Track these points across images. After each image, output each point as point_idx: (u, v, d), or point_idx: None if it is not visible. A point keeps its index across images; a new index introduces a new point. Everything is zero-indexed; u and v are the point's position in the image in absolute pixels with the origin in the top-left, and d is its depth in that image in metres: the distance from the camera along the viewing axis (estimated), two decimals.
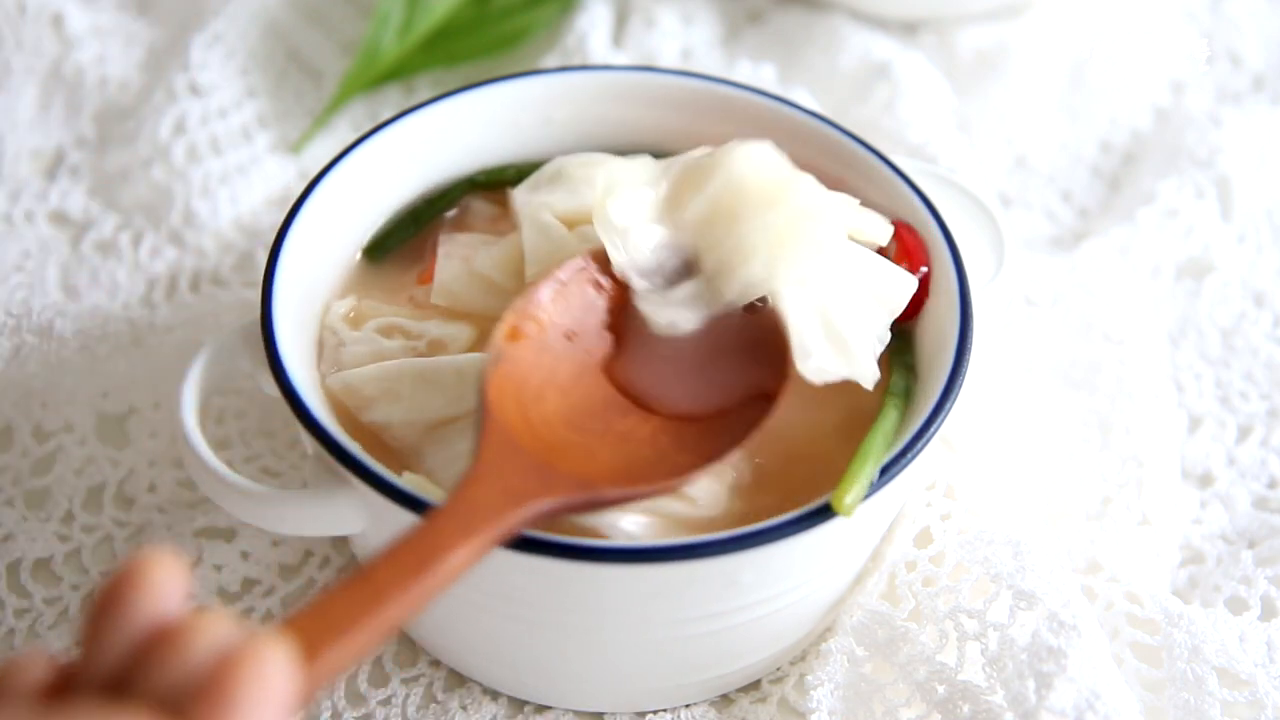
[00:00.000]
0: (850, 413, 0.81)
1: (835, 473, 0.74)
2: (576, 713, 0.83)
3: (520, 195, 0.88)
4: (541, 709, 0.83)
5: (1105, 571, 0.87)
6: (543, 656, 0.79)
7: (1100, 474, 0.93)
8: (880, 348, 0.78)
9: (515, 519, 0.65)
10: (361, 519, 0.75)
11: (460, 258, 0.87)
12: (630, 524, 0.76)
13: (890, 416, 0.78)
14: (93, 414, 0.94)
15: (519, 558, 0.70)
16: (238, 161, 1.09)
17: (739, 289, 0.77)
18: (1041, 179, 1.13)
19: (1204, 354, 1.02)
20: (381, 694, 0.83)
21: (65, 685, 0.52)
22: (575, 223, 0.85)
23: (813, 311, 0.77)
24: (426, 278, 0.88)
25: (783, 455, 0.80)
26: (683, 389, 0.77)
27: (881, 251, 0.84)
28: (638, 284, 0.79)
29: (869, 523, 0.80)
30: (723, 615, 0.76)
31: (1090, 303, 0.99)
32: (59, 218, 1.08)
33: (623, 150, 0.92)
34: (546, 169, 0.89)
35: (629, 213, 0.80)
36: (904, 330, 0.84)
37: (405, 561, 0.60)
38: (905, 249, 0.84)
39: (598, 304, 0.79)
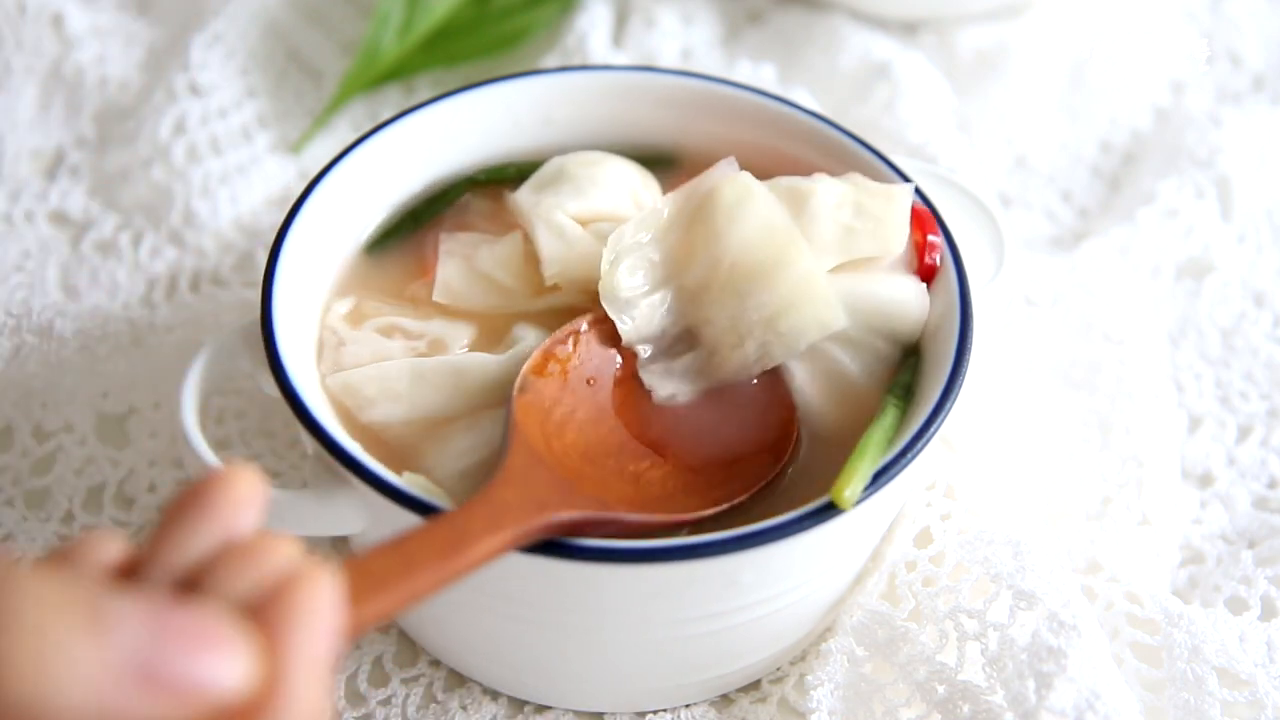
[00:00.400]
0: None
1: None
2: (576, 713, 0.83)
3: (525, 197, 0.88)
4: (541, 709, 0.83)
5: (1105, 571, 0.87)
6: (543, 656, 0.79)
7: (1100, 474, 0.93)
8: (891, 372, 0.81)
9: (537, 523, 0.69)
10: (361, 519, 0.75)
11: (461, 256, 0.87)
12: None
13: (891, 412, 0.78)
14: (93, 414, 0.94)
15: (519, 558, 0.70)
16: (238, 161, 1.09)
17: (734, 369, 0.80)
18: (1041, 179, 1.13)
19: (1204, 354, 1.02)
20: (381, 694, 0.83)
21: (132, 573, 0.54)
22: (587, 222, 0.86)
23: (814, 381, 0.79)
24: (427, 277, 0.88)
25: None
26: (692, 442, 0.79)
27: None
28: (642, 352, 0.81)
29: (869, 522, 0.80)
30: (723, 615, 0.76)
31: (1090, 303, 0.99)
32: (59, 218, 1.08)
33: (623, 150, 0.92)
34: (547, 169, 0.90)
35: (634, 282, 0.81)
36: None
37: (436, 540, 0.64)
38: (917, 220, 0.84)
39: (613, 357, 0.81)
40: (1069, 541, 0.89)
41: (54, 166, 1.11)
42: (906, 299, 0.82)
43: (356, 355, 0.83)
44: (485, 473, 0.79)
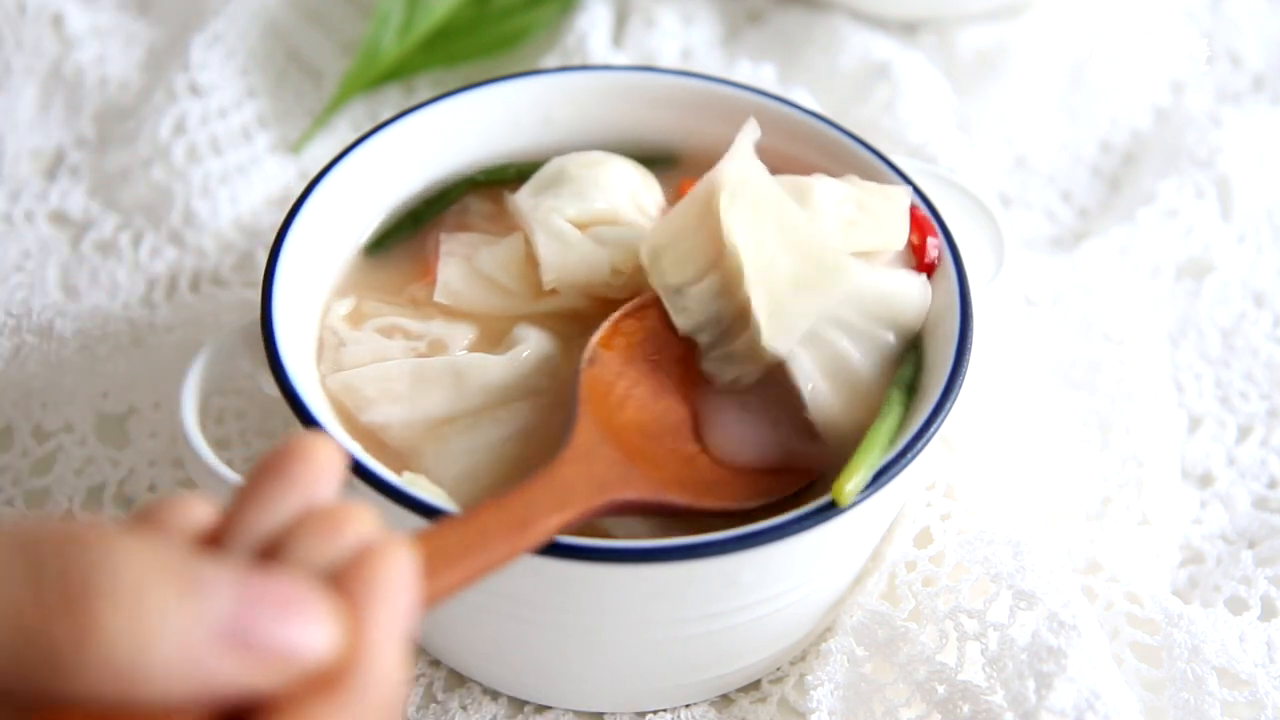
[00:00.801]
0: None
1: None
2: (576, 713, 0.83)
3: (524, 200, 0.88)
4: (541, 709, 0.83)
5: (1105, 571, 0.87)
6: (543, 656, 0.79)
7: (1100, 474, 0.93)
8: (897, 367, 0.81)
9: (597, 503, 0.71)
10: None
11: (462, 257, 0.87)
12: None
13: (894, 409, 0.78)
14: (93, 414, 0.94)
15: (518, 558, 0.70)
16: (238, 161, 1.09)
17: (761, 360, 0.79)
18: (1041, 179, 1.13)
19: (1204, 354, 1.02)
20: None
21: (215, 538, 0.54)
22: (586, 226, 0.86)
23: (820, 370, 0.79)
24: (427, 277, 0.88)
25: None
26: (741, 441, 0.80)
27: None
28: (701, 340, 0.81)
29: (869, 522, 0.80)
30: (723, 615, 0.76)
31: (1090, 303, 0.99)
32: (59, 218, 1.08)
33: (623, 150, 0.92)
34: (547, 170, 0.90)
35: (681, 272, 0.81)
36: None
37: (505, 517, 0.65)
38: (915, 223, 0.85)
39: (672, 338, 0.82)
40: (1069, 541, 0.89)
41: (54, 166, 1.11)
42: (909, 290, 0.82)
43: (357, 355, 0.83)
44: (486, 473, 0.79)
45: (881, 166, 0.88)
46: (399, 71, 1.15)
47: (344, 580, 0.53)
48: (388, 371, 0.81)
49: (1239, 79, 1.20)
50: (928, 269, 0.84)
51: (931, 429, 0.76)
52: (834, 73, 1.15)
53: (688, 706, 0.83)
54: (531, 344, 0.83)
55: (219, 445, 0.93)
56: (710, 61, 1.17)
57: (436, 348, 0.84)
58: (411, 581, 0.54)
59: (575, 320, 0.86)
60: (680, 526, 0.75)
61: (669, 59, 1.16)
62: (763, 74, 1.12)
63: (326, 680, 0.51)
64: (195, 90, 1.11)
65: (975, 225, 0.91)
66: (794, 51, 1.19)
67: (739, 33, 1.22)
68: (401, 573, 0.54)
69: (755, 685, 0.85)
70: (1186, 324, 1.03)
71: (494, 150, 0.93)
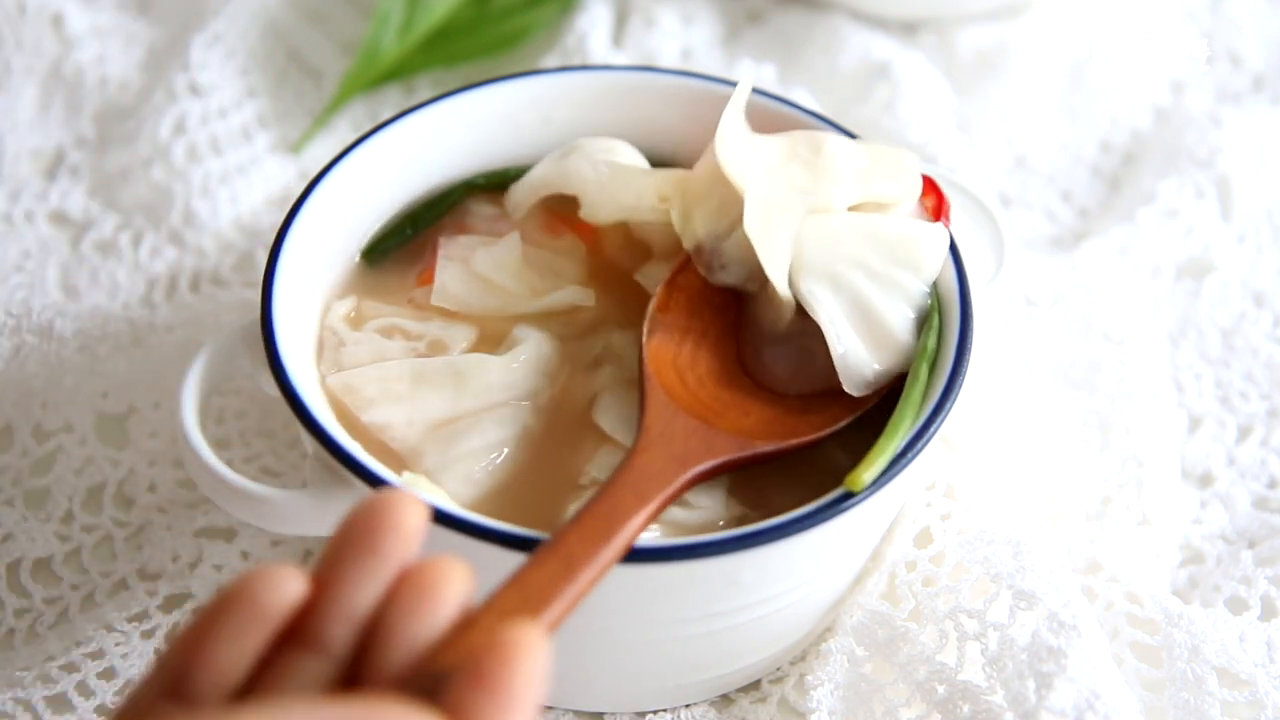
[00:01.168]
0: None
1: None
2: (576, 713, 0.83)
3: (545, 166, 0.89)
4: (541, 709, 0.83)
5: (1105, 571, 0.87)
6: None
7: (1100, 474, 0.93)
8: (918, 315, 0.80)
9: (682, 480, 0.70)
10: None
11: (460, 259, 0.87)
12: None
13: (917, 386, 0.79)
14: (93, 414, 0.94)
15: (519, 558, 0.70)
16: (238, 161, 1.09)
17: (781, 301, 0.79)
18: (1041, 179, 1.13)
19: (1204, 354, 1.02)
20: None
21: (308, 617, 0.51)
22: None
23: (844, 313, 0.79)
24: (426, 279, 0.88)
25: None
26: (795, 375, 0.80)
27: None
28: (751, 289, 0.82)
29: (869, 522, 0.80)
30: (723, 615, 0.76)
31: (1090, 303, 0.99)
32: (59, 218, 1.08)
33: None
34: (562, 148, 0.90)
35: (714, 228, 0.82)
36: None
37: (590, 531, 0.64)
38: (930, 188, 0.86)
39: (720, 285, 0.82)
40: (1069, 541, 0.89)
41: (54, 166, 1.11)
42: (926, 232, 0.82)
43: (356, 355, 0.83)
44: (485, 473, 0.79)
45: None
46: (399, 71, 1.15)
47: (462, 695, 0.48)
48: (388, 371, 0.81)
49: (1239, 79, 1.20)
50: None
51: (931, 429, 0.76)
52: (834, 73, 1.15)
53: (688, 706, 0.83)
54: (531, 344, 0.83)
55: (219, 445, 0.93)
56: (710, 61, 1.17)
57: (436, 348, 0.84)
58: (541, 683, 0.49)
59: (574, 321, 0.86)
60: (759, 477, 0.76)
61: (669, 59, 1.16)
62: (763, 74, 1.12)
63: None
64: (195, 90, 1.11)
65: (975, 225, 0.91)
66: (794, 51, 1.19)
67: (739, 33, 1.22)
68: (532, 677, 0.49)
69: (755, 685, 0.85)
70: (1186, 324, 1.03)
71: (494, 150, 0.93)
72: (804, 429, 0.78)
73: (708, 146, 0.83)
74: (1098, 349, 0.97)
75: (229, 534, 0.89)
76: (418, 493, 0.53)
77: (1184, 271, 1.05)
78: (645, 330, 0.80)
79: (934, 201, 0.85)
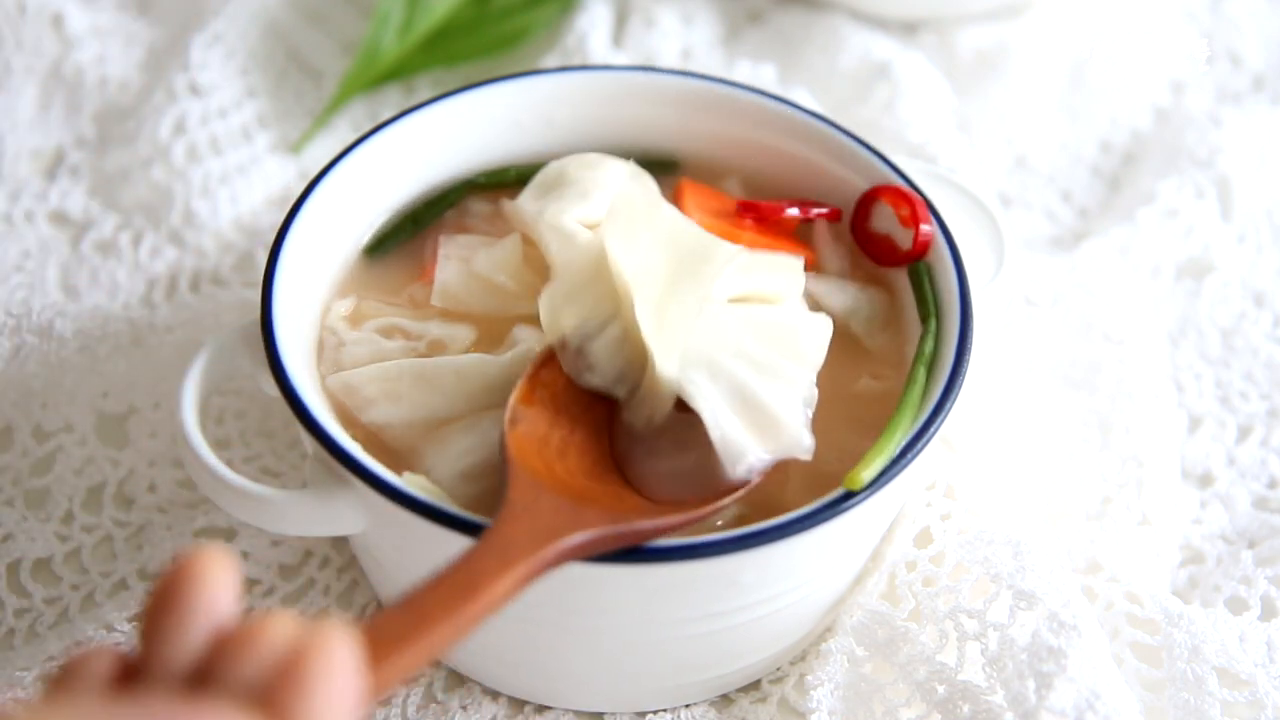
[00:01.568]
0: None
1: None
2: (576, 713, 0.83)
3: (528, 205, 0.88)
4: (541, 709, 0.83)
5: (1105, 571, 0.87)
6: (543, 656, 0.79)
7: (1100, 474, 0.93)
8: (810, 410, 0.77)
9: (551, 552, 0.68)
10: (361, 519, 0.75)
11: (460, 259, 0.87)
12: None
13: (915, 387, 0.78)
14: (93, 414, 0.94)
15: None
16: (238, 161, 1.09)
17: (662, 392, 0.77)
18: (1041, 179, 1.13)
19: (1204, 354, 1.02)
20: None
21: (133, 678, 0.53)
22: (593, 226, 0.85)
23: (725, 400, 0.76)
24: (426, 278, 0.88)
25: None
26: (667, 478, 0.77)
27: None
28: (618, 393, 0.79)
29: (869, 522, 0.80)
30: (723, 615, 0.76)
31: (1090, 303, 0.99)
32: (59, 218, 1.08)
33: (623, 151, 0.92)
34: (547, 173, 0.89)
35: (581, 322, 0.79)
36: (916, 275, 0.85)
37: (448, 590, 0.63)
38: (907, 201, 0.86)
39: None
40: (1069, 541, 0.89)
41: (54, 166, 1.11)
42: (810, 324, 0.80)
43: (356, 356, 0.83)
44: (485, 473, 0.79)
45: (881, 166, 0.88)
46: (399, 71, 1.15)
47: (276, 691, 0.51)
48: (388, 372, 0.81)
49: (1239, 79, 1.20)
50: (921, 247, 0.85)
51: (931, 429, 0.76)
52: (834, 73, 1.15)
53: (688, 706, 0.83)
54: (530, 344, 0.83)
55: (219, 445, 0.93)
56: (710, 61, 1.17)
57: (436, 348, 0.84)
58: (349, 669, 0.52)
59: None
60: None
61: (669, 59, 1.16)
62: (763, 74, 1.12)
63: None
64: (195, 90, 1.11)
65: (975, 225, 0.91)
66: (794, 51, 1.19)
67: (739, 33, 1.22)
68: (336, 664, 0.52)
69: (755, 685, 0.85)
70: (1186, 324, 1.03)
71: (494, 150, 0.93)
72: (684, 508, 0.74)
73: (583, 244, 0.81)
74: (1098, 349, 0.97)
75: (229, 534, 0.89)
76: (217, 555, 0.54)
77: (1184, 271, 1.05)
78: (507, 419, 0.75)
79: (908, 210, 0.85)
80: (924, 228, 0.85)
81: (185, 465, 0.79)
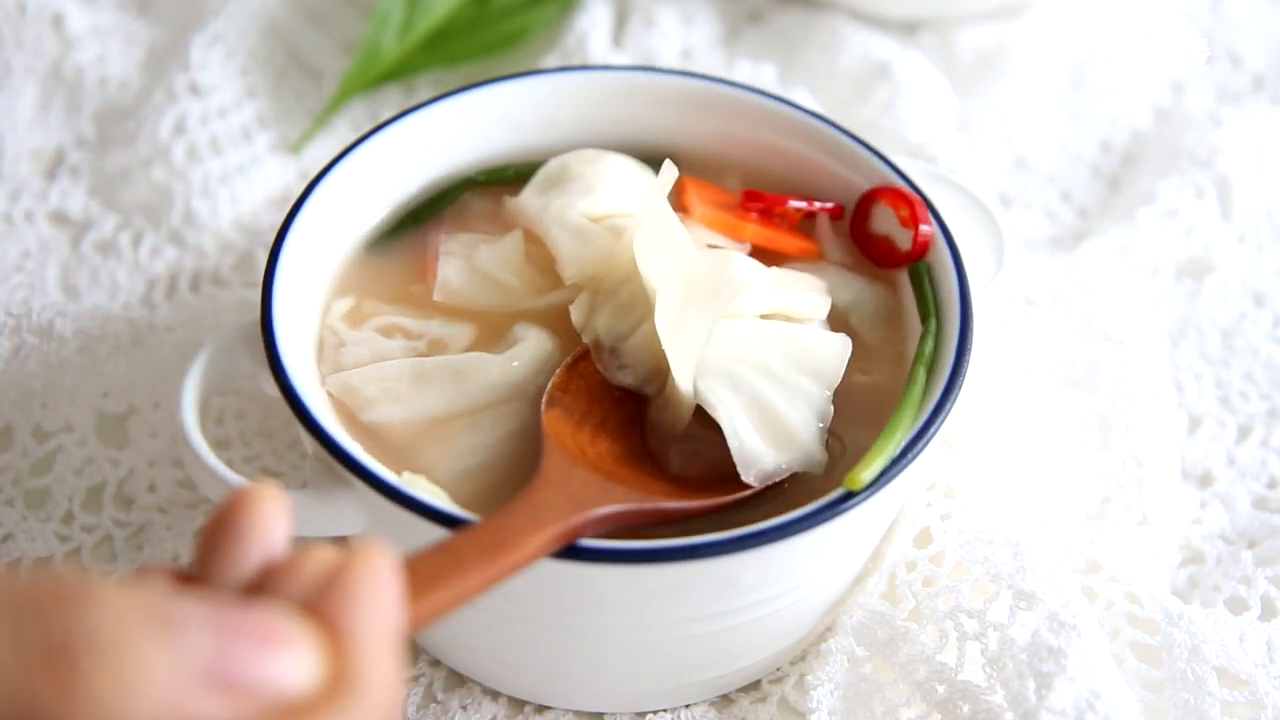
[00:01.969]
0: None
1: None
2: (576, 713, 0.83)
3: (531, 200, 0.88)
4: (541, 709, 0.83)
5: (1105, 571, 0.87)
6: (543, 656, 0.79)
7: (1100, 474, 0.93)
8: (824, 425, 0.79)
9: (580, 520, 0.70)
10: (361, 519, 0.75)
11: (461, 256, 0.87)
12: None
13: (916, 385, 0.79)
14: (93, 414, 0.94)
15: None
16: (238, 161, 1.09)
17: (683, 401, 0.78)
18: (1041, 179, 1.13)
19: (1204, 354, 1.02)
20: None
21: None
22: (599, 219, 0.86)
23: (743, 411, 0.78)
24: (427, 277, 0.88)
25: None
26: (693, 474, 0.79)
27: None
28: (648, 391, 0.81)
29: (869, 522, 0.80)
30: (723, 615, 0.76)
31: (1090, 303, 0.99)
32: (59, 218, 1.08)
33: (623, 150, 0.92)
34: (549, 169, 0.90)
35: (617, 328, 0.81)
36: (916, 275, 0.85)
37: (483, 539, 0.65)
38: (906, 202, 0.86)
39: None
40: (1069, 541, 0.89)
41: (54, 166, 1.11)
42: (829, 343, 0.81)
43: (356, 355, 0.83)
44: (485, 472, 0.79)
45: (881, 166, 0.88)
46: (399, 71, 1.15)
47: (322, 600, 0.53)
48: (387, 371, 0.81)
49: (1239, 79, 1.20)
50: (921, 248, 0.85)
51: (931, 429, 0.76)
52: (834, 73, 1.15)
53: (688, 706, 0.83)
54: (531, 342, 0.83)
55: (219, 445, 0.93)
56: (710, 61, 1.17)
57: (436, 347, 0.84)
58: (390, 580, 0.54)
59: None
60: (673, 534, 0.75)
61: (669, 59, 1.16)
62: (763, 74, 1.12)
63: (316, 703, 0.51)
64: (195, 90, 1.11)
65: (975, 225, 0.91)
66: (794, 51, 1.19)
67: (739, 33, 1.22)
68: (378, 574, 0.54)
69: (755, 685, 0.85)
70: (1186, 324, 1.03)
71: (494, 150, 0.93)
72: (712, 495, 0.77)
73: (625, 234, 0.82)
74: (1098, 349, 0.97)
75: None
76: (271, 490, 0.57)
77: (1184, 271, 1.05)
78: (544, 402, 0.78)
79: (908, 211, 0.85)
80: (924, 228, 0.85)
81: (185, 465, 0.79)
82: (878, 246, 0.88)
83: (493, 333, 0.85)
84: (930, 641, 0.80)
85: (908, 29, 1.21)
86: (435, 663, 0.85)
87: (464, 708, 0.83)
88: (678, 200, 0.89)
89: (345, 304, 0.86)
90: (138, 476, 0.92)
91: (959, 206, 0.91)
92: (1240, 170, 1.08)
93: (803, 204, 0.89)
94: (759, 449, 0.77)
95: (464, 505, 0.75)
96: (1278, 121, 1.12)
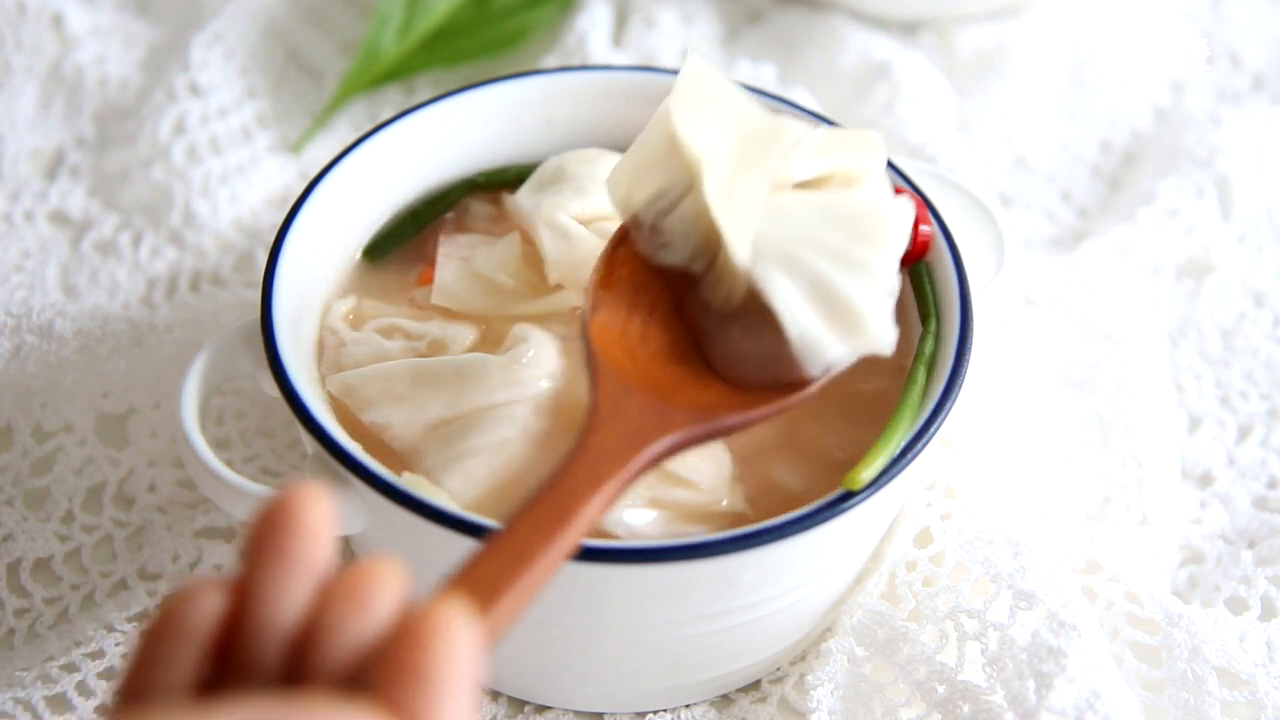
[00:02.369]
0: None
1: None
2: (576, 713, 0.83)
3: (525, 199, 0.88)
4: (541, 709, 0.83)
5: (1105, 571, 0.87)
6: (543, 656, 0.79)
7: (1100, 474, 0.93)
8: (893, 301, 0.74)
9: (640, 460, 0.66)
10: (361, 519, 0.75)
11: (460, 258, 0.87)
12: (636, 518, 0.76)
13: (915, 388, 0.78)
14: (93, 414, 0.94)
15: None
16: (238, 161, 1.09)
17: (737, 274, 0.74)
18: (1041, 179, 1.13)
19: (1204, 354, 1.02)
20: None
21: (234, 633, 0.50)
22: (589, 221, 0.85)
23: (802, 295, 0.72)
24: (426, 278, 0.88)
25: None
26: (749, 362, 0.74)
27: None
28: (695, 269, 0.76)
29: (869, 522, 0.80)
30: (723, 615, 0.76)
31: (1090, 303, 0.99)
32: (59, 218, 1.08)
33: (623, 150, 0.92)
34: (545, 168, 0.90)
35: (654, 200, 0.76)
36: (916, 275, 0.84)
37: (543, 516, 0.60)
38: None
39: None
40: (1069, 541, 0.89)
41: (54, 166, 1.11)
42: (888, 205, 0.76)
43: (356, 356, 0.83)
44: (485, 472, 0.79)
45: None
46: (399, 71, 1.15)
47: (388, 682, 0.47)
48: (388, 372, 0.81)
49: (1239, 79, 1.20)
50: (921, 247, 0.84)
51: (931, 429, 0.76)
52: (834, 73, 1.15)
53: (688, 706, 0.83)
54: (531, 344, 0.83)
55: (219, 445, 0.93)
56: (710, 62, 1.17)
57: (436, 348, 0.84)
58: (474, 647, 0.48)
59: (575, 320, 0.86)
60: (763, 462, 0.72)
61: (669, 59, 1.16)
62: (763, 74, 1.12)
63: None
64: (195, 90, 1.11)
65: (975, 225, 0.91)
66: (794, 51, 1.19)
67: (739, 33, 1.22)
68: (460, 644, 0.48)
69: (755, 685, 0.85)
70: (1186, 324, 1.03)
71: (494, 151, 0.93)
72: (769, 398, 0.72)
73: (654, 117, 0.78)
74: (1098, 349, 0.97)
75: (229, 534, 0.89)
76: (315, 493, 0.51)
77: (1184, 271, 1.05)
78: (588, 306, 0.74)
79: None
80: (924, 228, 0.85)
81: (185, 465, 0.79)
82: None
83: (493, 334, 0.85)
84: (930, 641, 0.80)
85: (908, 29, 1.20)
86: None
87: None
88: None
89: (345, 304, 0.86)
90: (138, 476, 0.92)
91: (959, 206, 0.90)
92: (1240, 170, 1.08)
93: None
94: (822, 336, 0.72)
95: (465, 506, 0.75)
96: (1278, 121, 1.12)
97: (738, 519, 0.78)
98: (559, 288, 0.86)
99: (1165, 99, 1.18)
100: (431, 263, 0.88)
